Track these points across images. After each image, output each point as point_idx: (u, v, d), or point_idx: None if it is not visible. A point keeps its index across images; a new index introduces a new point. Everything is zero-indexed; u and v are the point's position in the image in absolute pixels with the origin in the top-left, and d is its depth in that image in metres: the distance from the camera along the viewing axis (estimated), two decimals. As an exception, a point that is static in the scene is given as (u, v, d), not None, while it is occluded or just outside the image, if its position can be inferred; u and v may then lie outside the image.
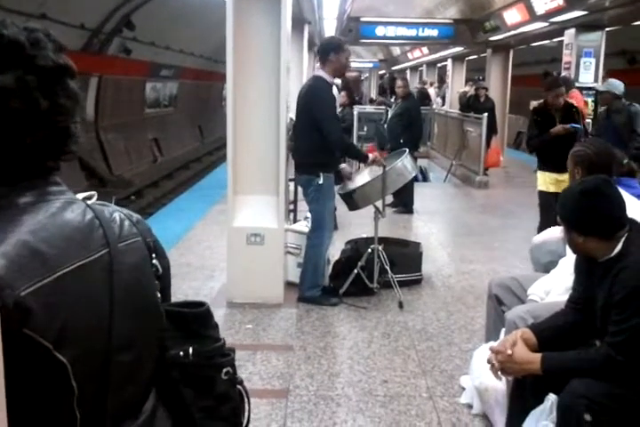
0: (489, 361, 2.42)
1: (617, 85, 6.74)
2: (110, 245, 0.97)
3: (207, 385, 1.10)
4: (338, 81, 4.91)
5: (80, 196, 1.02)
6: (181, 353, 1.07)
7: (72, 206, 0.97)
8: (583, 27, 10.57)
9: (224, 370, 1.11)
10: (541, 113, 5.85)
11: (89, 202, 1.01)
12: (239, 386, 1.16)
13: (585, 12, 9.44)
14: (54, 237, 0.90)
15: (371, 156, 4.84)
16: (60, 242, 0.90)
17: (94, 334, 0.92)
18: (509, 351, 2.33)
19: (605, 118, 6.90)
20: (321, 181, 4.65)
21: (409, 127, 8.17)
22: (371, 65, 33.87)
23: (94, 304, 0.93)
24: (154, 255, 1.08)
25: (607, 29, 10.79)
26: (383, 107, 12.35)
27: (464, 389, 3.40)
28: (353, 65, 29.51)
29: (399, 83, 8.67)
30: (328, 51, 4.73)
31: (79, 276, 0.91)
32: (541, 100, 6.18)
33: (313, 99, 4.70)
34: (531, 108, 7.10)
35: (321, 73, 4.78)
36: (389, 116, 8.80)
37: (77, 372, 0.88)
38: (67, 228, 0.93)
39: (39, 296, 0.84)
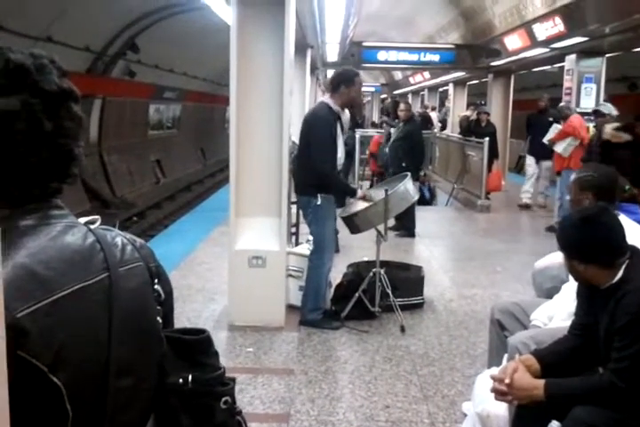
0: (492, 390, 2.40)
1: (612, 108, 6.68)
2: (111, 269, 0.97)
3: (206, 414, 1.08)
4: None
5: (83, 220, 1.02)
6: (181, 380, 1.06)
7: (73, 230, 0.97)
8: (584, 53, 10.67)
9: (223, 399, 1.09)
10: (635, 146, 5.15)
11: (92, 226, 1.02)
12: (238, 417, 1.14)
13: (585, 39, 9.52)
14: (53, 259, 0.90)
15: (359, 192, 4.94)
16: (59, 265, 0.90)
17: (91, 358, 0.92)
18: (507, 380, 2.31)
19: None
20: (319, 202, 4.66)
21: (411, 151, 8.18)
22: (373, 89, 34.09)
23: (92, 328, 0.93)
24: (156, 280, 1.08)
25: (607, 55, 10.89)
26: (386, 127, 12.35)
27: (466, 415, 3.36)
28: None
29: (402, 106, 8.69)
30: (339, 83, 4.78)
31: (78, 299, 0.90)
32: (616, 126, 5.54)
33: (311, 122, 4.76)
34: (608, 136, 5.81)
35: (327, 99, 4.83)
36: (392, 139, 8.79)
37: (72, 395, 0.87)
38: (66, 251, 0.93)
39: (36, 318, 0.84)
